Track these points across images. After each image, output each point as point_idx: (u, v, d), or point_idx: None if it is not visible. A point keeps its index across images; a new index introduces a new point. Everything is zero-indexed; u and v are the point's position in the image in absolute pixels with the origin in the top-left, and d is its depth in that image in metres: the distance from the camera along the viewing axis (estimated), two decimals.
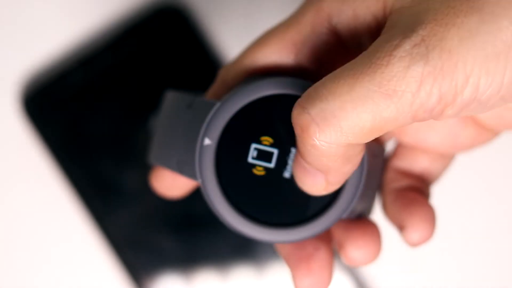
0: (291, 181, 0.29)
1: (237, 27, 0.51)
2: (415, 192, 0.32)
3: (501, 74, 0.26)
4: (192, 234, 0.51)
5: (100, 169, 0.51)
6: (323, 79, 0.26)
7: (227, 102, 0.28)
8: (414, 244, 0.31)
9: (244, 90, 0.28)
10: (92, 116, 0.51)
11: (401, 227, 0.31)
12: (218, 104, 0.28)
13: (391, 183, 0.33)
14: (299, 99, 0.26)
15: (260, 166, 0.29)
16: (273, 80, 0.28)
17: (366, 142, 0.26)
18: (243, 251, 0.51)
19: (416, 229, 0.31)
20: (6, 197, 0.52)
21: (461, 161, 0.51)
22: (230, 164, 0.29)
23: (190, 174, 0.29)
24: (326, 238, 0.32)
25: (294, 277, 0.31)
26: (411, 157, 0.33)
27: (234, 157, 0.29)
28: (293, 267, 0.31)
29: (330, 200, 0.29)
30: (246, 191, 0.29)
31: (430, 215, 0.31)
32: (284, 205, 0.29)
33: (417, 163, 0.33)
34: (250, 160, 0.29)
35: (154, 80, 0.51)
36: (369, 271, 0.52)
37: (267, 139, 0.29)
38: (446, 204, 0.52)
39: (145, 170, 0.51)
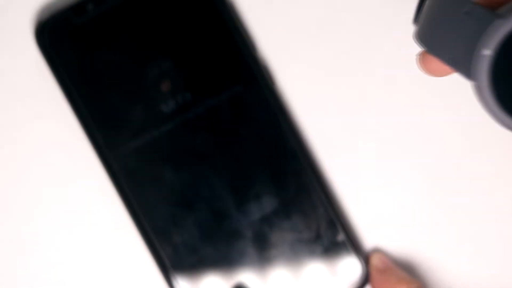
0: None
1: None
2: None
3: None
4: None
5: (107, 100, 0.50)
6: None
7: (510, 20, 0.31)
8: None
9: None
10: (104, 47, 0.50)
11: None
12: (502, 20, 0.31)
13: None
14: None
15: None
16: None
17: None
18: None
19: None
20: (15, 126, 0.51)
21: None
22: (504, 74, 0.32)
23: (464, 72, 0.33)
24: None
25: None
26: None
27: (508, 69, 0.32)
28: None
29: None
30: None
31: None
32: None
33: None
34: None
35: (169, 19, 0.50)
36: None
37: None
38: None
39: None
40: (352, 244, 0.50)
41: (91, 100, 0.50)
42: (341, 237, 0.50)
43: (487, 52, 0.31)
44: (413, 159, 0.51)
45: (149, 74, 0.50)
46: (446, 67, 0.34)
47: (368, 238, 0.52)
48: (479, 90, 0.32)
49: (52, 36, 0.49)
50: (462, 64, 0.33)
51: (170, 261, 0.51)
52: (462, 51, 0.32)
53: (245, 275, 0.50)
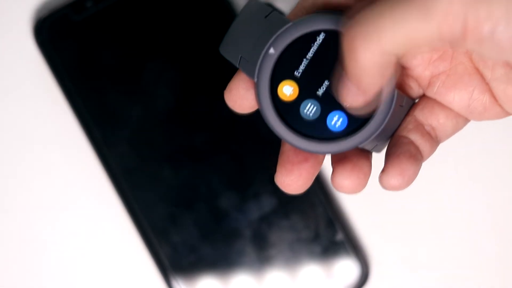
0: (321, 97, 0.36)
1: None
2: (413, 147, 0.36)
3: None
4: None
5: (105, 98, 0.50)
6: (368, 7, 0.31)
7: (296, 25, 0.35)
8: (384, 187, 0.35)
9: (309, 20, 0.35)
10: (103, 44, 0.50)
11: (382, 169, 0.35)
12: (289, 24, 0.35)
13: (402, 130, 0.36)
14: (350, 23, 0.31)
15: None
16: (336, 16, 0.35)
17: (399, 54, 0.31)
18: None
19: (391, 176, 0.35)
20: (13, 122, 0.51)
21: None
22: (281, 74, 0.35)
23: (247, 71, 0.35)
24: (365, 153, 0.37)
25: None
26: (430, 110, 0.37)
27: (286, 69, 0.35)
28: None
29: (353, 130, 0.35)
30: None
31: (410, 172, 0.35)
32: (315, 123, 0.36)
33: (433, 117, 0.37)
34: (296, 74, 0.35)
35: (168, 16, 0.50)
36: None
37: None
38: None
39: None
40: (350, 243, 0.50)
41: (89, 97, 0.50)
42: (339, 236, 0.50)
43: (272, 51, 0.35)
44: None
45: (147, 71, 0.50)
46: (246, 101, 0.37)
47: (367, 238, 0.51)
48: (258, 88, 0.35)
49: (51, 33, 0.50)
50: (250, 63, 0.35)
51: (168, 260, 0.50)
52: (252, 51, 0.35)
53: (244, 274, 0.50)
